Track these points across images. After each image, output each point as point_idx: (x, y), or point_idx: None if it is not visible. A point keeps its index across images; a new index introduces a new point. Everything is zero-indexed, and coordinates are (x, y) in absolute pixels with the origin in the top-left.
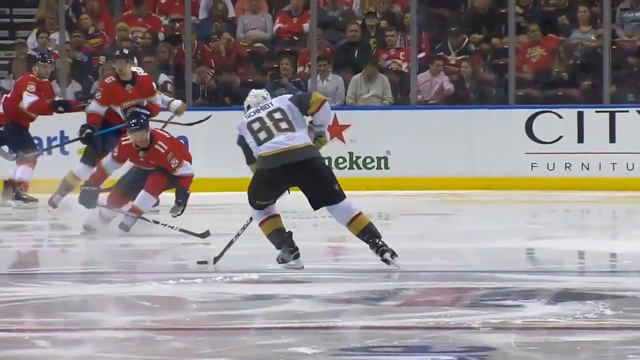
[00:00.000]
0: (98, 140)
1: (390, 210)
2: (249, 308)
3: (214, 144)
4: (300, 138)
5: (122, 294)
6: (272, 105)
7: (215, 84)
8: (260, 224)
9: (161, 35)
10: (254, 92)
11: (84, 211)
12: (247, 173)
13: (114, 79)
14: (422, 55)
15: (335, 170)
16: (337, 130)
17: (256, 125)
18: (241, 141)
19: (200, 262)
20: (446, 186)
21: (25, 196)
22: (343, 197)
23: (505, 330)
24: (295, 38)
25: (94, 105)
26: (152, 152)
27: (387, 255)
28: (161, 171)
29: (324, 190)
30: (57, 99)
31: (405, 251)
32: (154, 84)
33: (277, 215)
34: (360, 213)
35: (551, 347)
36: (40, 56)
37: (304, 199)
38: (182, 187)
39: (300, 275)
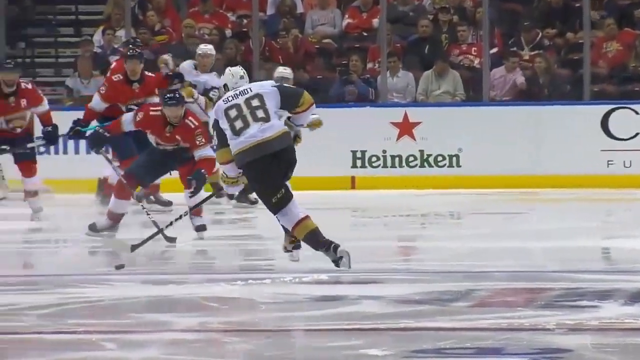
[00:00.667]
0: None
1: (461, 209)
2: (318, 309)
3: None
4: (273, 127)
5: (190, 295)
6: (251, 90)
7: None
8: (293, 229)
9: (228, 32)
10: (230, 70)
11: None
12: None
13: (121, 77)
14: (494, 50)
15: (405, 169)
16: (407, 127)
17: (233, 113)
18: (216, 125)
19: (118, 267)
20: (518, 184)
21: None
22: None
23: (580, 332)
24: (365, 34)
25: (95, 101)
26: (182, 127)
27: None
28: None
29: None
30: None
31: (476, 251)
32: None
33: (307, 217)
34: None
35: (628, 349)
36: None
37: (380, 199)
38: (200, 169)
39: (370, 276)
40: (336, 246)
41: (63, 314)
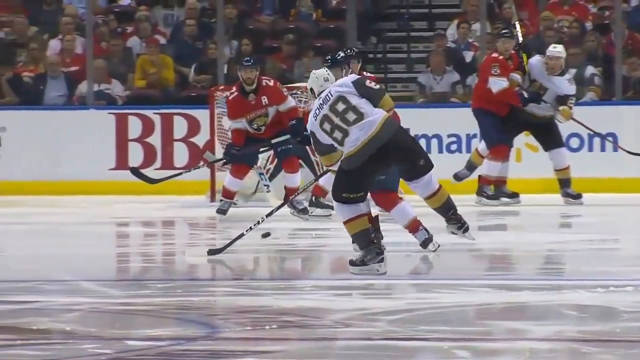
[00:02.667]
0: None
1: None
2: None
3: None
4: (373, 121)
5: (545, 302)
6: (331, 95)
7: None
8: (346, 222)
9: (589, 25)
10: (315, 73)
11: None
12: None
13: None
14: None
15: None
16: None
17: (327, 126)
18: (314, 139)
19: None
20: None
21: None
22: (427, 171)
23: None
24: None
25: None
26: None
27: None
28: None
29: (410, 166)
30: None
31: None
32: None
33: (366, 214)
34: (440, 187)
35: None
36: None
37: None
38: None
39: None
40: (382, 254)
41: (414, 320)
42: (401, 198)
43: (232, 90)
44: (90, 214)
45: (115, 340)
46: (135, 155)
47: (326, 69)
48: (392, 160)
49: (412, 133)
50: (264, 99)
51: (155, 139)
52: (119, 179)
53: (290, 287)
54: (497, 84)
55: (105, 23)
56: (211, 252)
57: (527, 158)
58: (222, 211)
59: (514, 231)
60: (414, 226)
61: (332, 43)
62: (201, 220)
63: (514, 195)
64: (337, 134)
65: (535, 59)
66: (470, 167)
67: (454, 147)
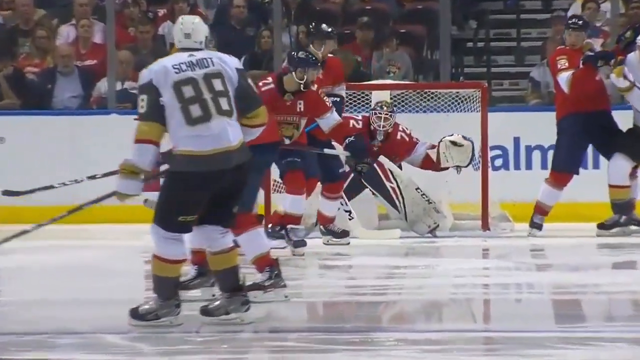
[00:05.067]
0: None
1: None
2: None
3: None
4: (237, 131)
5: None
6: (212, 63)
7: None
8: (171, 263)
9: None
10: (183, 18)
11: None
12: None
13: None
14: None
15: None
16: None
17: (188, 91)
18: (151, 90)
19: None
20: None
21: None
22: (232, 224)
23: None
24: None
25: None
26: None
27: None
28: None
29: (222, 210)
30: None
31: None
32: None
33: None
34: (235, 248)
35: None
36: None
37: None
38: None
39: None
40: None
41: None
42: (260, 222)
43: (268, 81)
44: (115, 248)
45: None
46: None
47: (199, 18)
48: (213, 192)
49: (522, 142)
50: (300, 104)
51: None
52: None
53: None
54: (566, 77)
55: (132, 4)
56: (6, 193)
57: None
58: (301, 243)
59: None
60: (262, 262)
61: (420, 29)
62: None
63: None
64: (196, 109)
65: (635, 55)
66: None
67: None
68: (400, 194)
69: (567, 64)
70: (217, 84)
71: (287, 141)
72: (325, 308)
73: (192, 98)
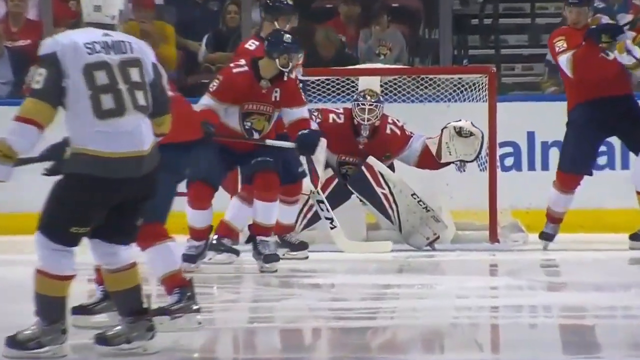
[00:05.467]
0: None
1: None
2: None
3: None
4: (150, 133)
5: None
6: (131, 50)
7: None
8: (58, 279)
9: None
10: None
11: None
12: None
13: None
14: None
15: None
16: None
17: (101, 77)
18: (54, 68)
19: None
20: None
21: None
22: (133, 239)
23: None
24: None
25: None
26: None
27: None
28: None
29: (124, 223)
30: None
31: None
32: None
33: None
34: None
35: None
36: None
37: None
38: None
39: None
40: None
41: None
42: (169, 237)
43: (241, 63)
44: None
45: None
46: None
47: None
48: (114, 202)
49: (537, 137)
50: (277, 92)
51: None
52: None
53: None
54: (566, 59)
55: None
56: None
57: None
58: (191, 258)
59: None
60: (171, 282)
61: (416, 3)
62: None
63: None
64: (107, 100)
65: None
66: None
67: (602, 160)
68: (394, 201)
69: (565, 45)
70: (134, 74)
71: (256, 135)
72: (299, 335)
73: (105, 86)
